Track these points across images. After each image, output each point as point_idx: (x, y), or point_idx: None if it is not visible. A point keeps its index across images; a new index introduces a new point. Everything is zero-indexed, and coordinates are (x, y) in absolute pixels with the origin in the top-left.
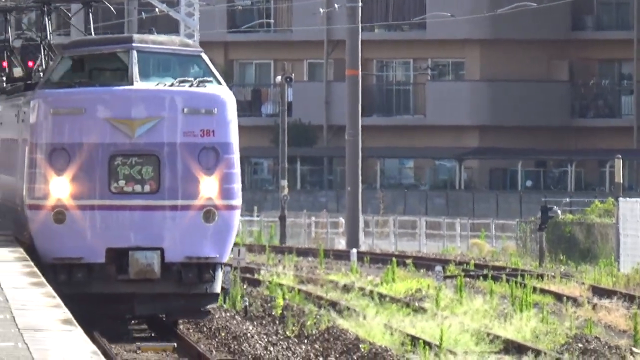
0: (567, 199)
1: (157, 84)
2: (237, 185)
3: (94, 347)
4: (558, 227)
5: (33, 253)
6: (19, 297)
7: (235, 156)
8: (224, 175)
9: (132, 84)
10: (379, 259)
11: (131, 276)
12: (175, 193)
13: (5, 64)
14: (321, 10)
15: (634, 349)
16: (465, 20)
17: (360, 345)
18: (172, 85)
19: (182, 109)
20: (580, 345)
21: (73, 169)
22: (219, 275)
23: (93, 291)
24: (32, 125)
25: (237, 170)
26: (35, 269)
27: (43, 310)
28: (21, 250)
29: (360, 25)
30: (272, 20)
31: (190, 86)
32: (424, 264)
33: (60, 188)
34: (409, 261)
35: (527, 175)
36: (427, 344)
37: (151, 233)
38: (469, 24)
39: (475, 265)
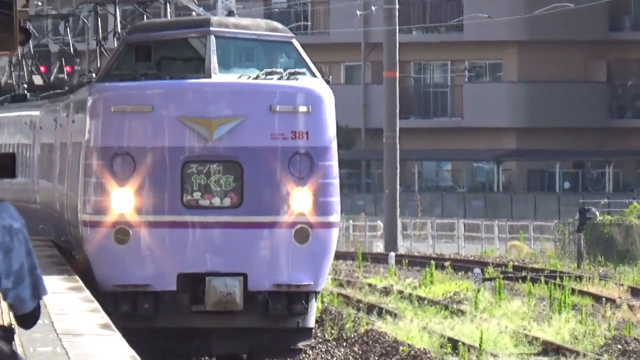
0: (605, 200)
1: (240, 77)
2: (336, 199)
3: (132, 352)
4: (596, 229)
5: (89, 278)
6: (57, 302)
7: (334, 163)
8: (319, 186)
9: (209, 76)
10: (417, 262)
11: (208, 307)
12: (261, 207)
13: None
14: (358, 12)
15: None
16: (503, 22)
17: (399, 348)
18: (257, 77)
19: (270, 107)
20: (619, 346)
21: (138, 178)
22: (313, 306)
23: (162, 325)
24: (89, 125)
25: (335, 180)
26: (74, 274)
27: (81, 314)
28: (58, 254)
29: (397, 27)
30: (309, 23)
31: (279, 79)
32: (462, 266)
33: (122, 201)
34: (447, 264)
35: (565, 177)
36: (466, 346)
37: (232, 256)
38: (506, 26)
39: (514, 267)
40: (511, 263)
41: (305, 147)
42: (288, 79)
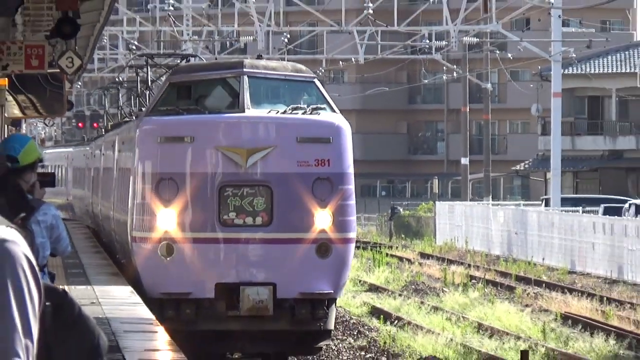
0: (406, 202)
1: (270, 111)
2: (353, 218)
3: (131, 288)
4: (400, 219)
5: (138, 287)
6: (86, 260)
7: (351, 187)
8: (339, 207)
9: (243, 110)
10: None
11: (242, 313)
12: (289, 226)
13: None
14: None
15: (444, 289)
16: (347, 98)
17: None
18: (285, 112)
19: (297, 138)
20: (413, 287)
21: (181, 200)
22: (333, 311)
23: (202, 328)
24: (138, 153)
25: (352, 201)
26: (96, 242)
27: (101, 267)
28: (88, 231)
29: None
30: None
31: (303, 113)
32: None
33: (167, 220)
34: None
35: (382, 188)
36: None
37: (263, 268)
38: (349, 100)
39: None
40: None
41: (327, 173)
42: (311, 113)
